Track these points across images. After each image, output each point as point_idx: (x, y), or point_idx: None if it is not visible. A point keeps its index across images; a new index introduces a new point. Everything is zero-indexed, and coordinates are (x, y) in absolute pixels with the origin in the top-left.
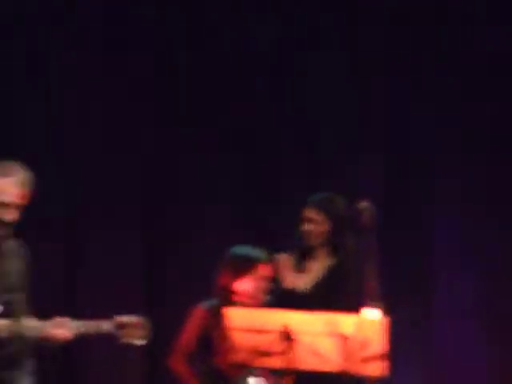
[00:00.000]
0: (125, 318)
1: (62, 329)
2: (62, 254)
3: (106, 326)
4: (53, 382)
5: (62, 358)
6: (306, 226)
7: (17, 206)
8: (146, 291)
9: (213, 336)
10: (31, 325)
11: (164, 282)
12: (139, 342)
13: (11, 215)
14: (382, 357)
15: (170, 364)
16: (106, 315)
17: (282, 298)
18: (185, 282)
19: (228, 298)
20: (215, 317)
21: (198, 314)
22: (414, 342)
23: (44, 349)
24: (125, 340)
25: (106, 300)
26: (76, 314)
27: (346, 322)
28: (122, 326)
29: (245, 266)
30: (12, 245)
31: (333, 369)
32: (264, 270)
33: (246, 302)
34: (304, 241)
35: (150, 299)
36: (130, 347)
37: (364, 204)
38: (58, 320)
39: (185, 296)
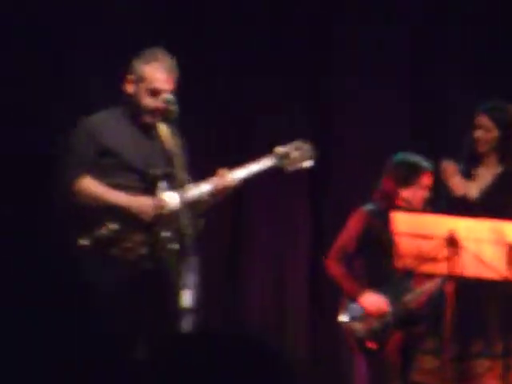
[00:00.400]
0: (285, 147)
1: (225, 177)
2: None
3: (268, 161)
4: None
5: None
6: (477, 133)
7: (165, 92)
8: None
9: (373, 238)
10: (205, 188)
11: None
12: (306, 164)
13: (160, 101)
14: None
15: (326, 263)
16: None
17: (451, 204)
18: (349, 185)
19: (391, 204)
20: (376, 220)
21: (359, 216)
22: None
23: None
24: (291, 167)
25: None
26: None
27: (511, 230)
28: (284, 156)
29: (411, 175)
30: (166, 128)
31: (496, 276)
32: (428, 180)
33: (408, 209)
34: (473, 147)
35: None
36: (299, 171)
37: None
38: (221, 172)
39: (347, 198)
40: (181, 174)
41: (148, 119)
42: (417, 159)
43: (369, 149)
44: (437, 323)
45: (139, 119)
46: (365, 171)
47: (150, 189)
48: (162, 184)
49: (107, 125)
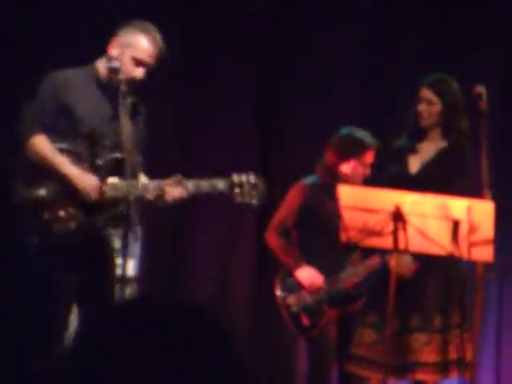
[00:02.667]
0: (241, 176)
1: (178, 187)
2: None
3: (221, 184)
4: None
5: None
6: (420, 107)
7: (146, 65)
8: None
9: (312, 212)
10: (147, 184)
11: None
12: (254, 202)
13: (141, 73)
14: (489, 242)
15: (265, 237)
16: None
17: (391, 179)
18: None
19: (332, 177)
20: (316, 193)
21: (297, 189)
22: None
23: (156, 209)
24: (239, 200)
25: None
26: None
27: (456, 205)
28: (237, 185)
29: (354, 150)
30: (130, 103)
31: (441, 252)
32: (370, 157)
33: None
34: (417, 121)
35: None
36: (244, 208)
37: (480, 88)
38: (174, 178)
39: (289, 172)
40: (131, 159)
41: (122, 87)
42: (362, 135)
43: (315, 125)
44: (378, 298)
45: (113, 83)
46: (312, 147)
47: (102, 166)
48: (114, 166)
49: (74, 84)
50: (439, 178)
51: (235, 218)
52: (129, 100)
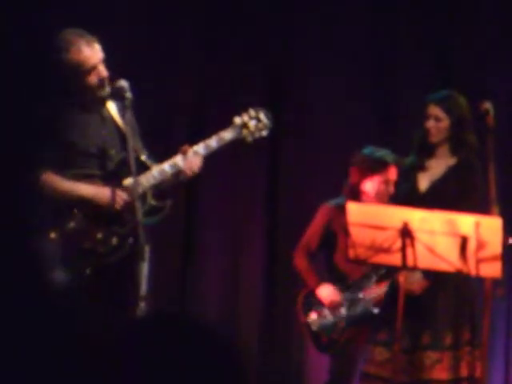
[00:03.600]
0: (242, 117)
1: (191, 157)
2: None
3: (227, 134)
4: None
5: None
6: (428, 123)
7: (100, 63)
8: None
9: (337, 233)
10: (162, 168)
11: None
12: (264, 133)
13: (103, 70)
14: (498, 258)
15: (292, 257)
16: None
17: (401, 196)
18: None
19: (356, 197)
20: (341, 214)
21: (323, 211)
22: None
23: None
24: (250, 139)
25: None
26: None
27: (464, 222)
28: (242, 126)
29: (375, 167)
30: (112, 108)
31: (449, 268)
32: (392, 174)
33: (372, 202)
34: (425, 138)
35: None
36: (259, 140)
37: (487, 104)
38: (183, 151)
39: (312, 193)
40: (135, 156)
41: (100, 93)
42: (383, 153)
43: (329, 141)
44: (389, 315)
45: (90, 102)
46: (322, 163)
47: (113, 173)
48: (123, 168)
49: (60, 116)
50: (449, 195)
51: (242, 234)
52: (113, 106)
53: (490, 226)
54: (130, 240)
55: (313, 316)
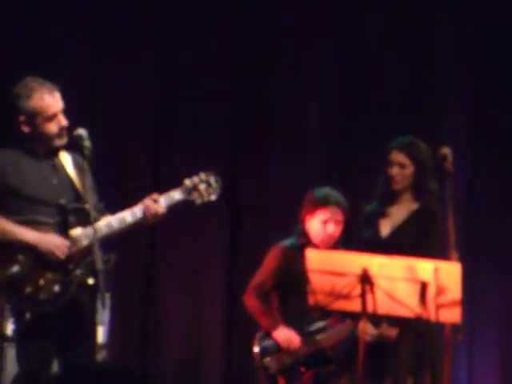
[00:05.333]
0: (193, 180)
1: (154, 204)
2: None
3: (177, 194)
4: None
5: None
6: (393, 170)
7: (60, 112)
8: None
9: (289, 274)
10: (121, 216)
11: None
12: (213, 197)
13: (62, 120)
14: (457, 303)
15: (243, 299)
16: None
17: (362, 243)
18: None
19: (305, 237)
20: (292, 255)
21: (275, 252)
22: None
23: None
24: (199, 201)
25: None
26: None
27: (423, 267)
28: (192, 189)
29: (317, 203)
30: (66, 158)
31: (409, 314)
32: (333, 214)
33: (318, 244)
34: (388, 185)
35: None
36: (207, 204)
37: (446, 149)
38: (154, 197)
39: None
40: (89, 205)
41: (58, 142)
42: (327, 192)
43: (291, 185)
44: (350, 361)
45: (45, 150)
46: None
47: (61, 222)
48: (72, 218)
49: (10, 163)
50: (410, 241)
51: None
52: (66, 156)
53: (449, 272)
54: (72, 288)
55: (270, 359)
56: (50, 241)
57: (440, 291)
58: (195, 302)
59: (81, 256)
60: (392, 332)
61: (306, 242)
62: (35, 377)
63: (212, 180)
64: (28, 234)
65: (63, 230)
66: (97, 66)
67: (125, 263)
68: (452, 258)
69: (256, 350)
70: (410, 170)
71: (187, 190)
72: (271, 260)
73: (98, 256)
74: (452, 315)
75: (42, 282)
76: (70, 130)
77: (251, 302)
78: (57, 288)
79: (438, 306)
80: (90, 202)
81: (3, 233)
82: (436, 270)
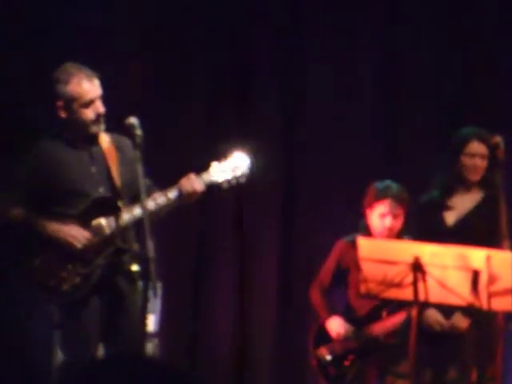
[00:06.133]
0: (220, 162)
1: (195, 182)
2: None
3: (207, 176)
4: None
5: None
6: (475, 161)
7: (97, 98)
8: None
9: (349, 268)
10: (164, 193)
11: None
12: (243, 179)
13: (99, 107)
14: (509, 292)
15: (308, 293)
16: None
17: (426, 234)
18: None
19: (367, 231)
20: (353, 250)
21: (335, 247)
22: None
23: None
24: (226, 185)
25: None
26: None
27: (476, 256)
28: (221, 171)
29: (372, 199)
30: (109, 139)
31: (460, 302)
32: (389, 207)
33: (378, 237)
34: (465, 175)
35: None
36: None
37: (498, 138)
38: (189, 176)
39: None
40: (142, 193)
41: (94, 129)
42: (386, 186)
43: (342, 175)
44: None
45: (82, 137)
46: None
47: (86, 212)
48: (98, 208)
49: (46, 157)
50: (479, 229)
51: (257, 267)
52: (106, 138)
53: (501, 260)
54: (94, 278)
55: (322, 349)
56: (67, 231)
57: (492, 280)
58: (247, 292)
59: (103, 246)
60: (464, 323)
61: (369, 235)
62: (78, 362)
63: (241, 158)
64: (49, 226)
65: (88, 220)
66: None
67: (177, 253)
68: (504, 246)
69: (311, 339)
70: (487, 161)
71: (215, 172)
72: (331, 256)
73: (150, 243)
74: (504, 304)
75: (64, 273)
76: (120, 118)
77: (313, 295)
78: (78, 279)
79: (490, 295)
80: (142, 191)
81: (27, 226)
82: (488, 258)
